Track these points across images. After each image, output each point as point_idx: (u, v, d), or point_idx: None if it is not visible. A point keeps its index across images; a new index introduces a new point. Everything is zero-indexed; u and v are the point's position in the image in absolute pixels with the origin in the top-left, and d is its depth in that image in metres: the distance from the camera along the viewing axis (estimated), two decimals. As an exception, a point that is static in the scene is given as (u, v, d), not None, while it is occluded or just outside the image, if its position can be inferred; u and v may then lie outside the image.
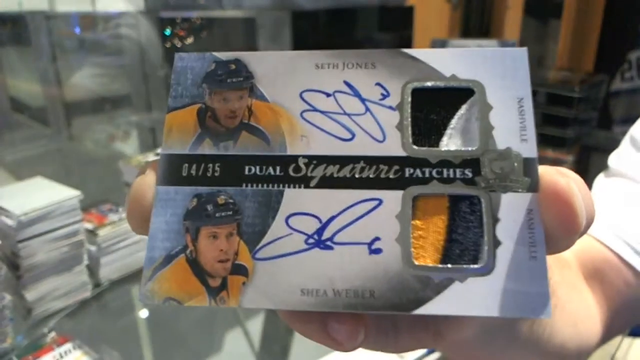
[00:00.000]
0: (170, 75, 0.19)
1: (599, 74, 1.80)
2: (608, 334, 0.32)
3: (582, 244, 0.33)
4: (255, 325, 1.00)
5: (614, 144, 0.40)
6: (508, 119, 0.17)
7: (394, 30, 1.70)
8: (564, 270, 0.29)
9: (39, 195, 0.84)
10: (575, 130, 1.68)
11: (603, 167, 0.40)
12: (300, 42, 1.39)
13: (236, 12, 1.51)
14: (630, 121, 0.40)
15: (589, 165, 1.75)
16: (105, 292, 0.91)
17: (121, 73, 1.54)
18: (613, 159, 0.39)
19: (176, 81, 0.19)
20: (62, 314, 0.85)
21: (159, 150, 0.18)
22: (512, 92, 0.17)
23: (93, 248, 0.90)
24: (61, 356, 0.74)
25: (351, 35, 1.58)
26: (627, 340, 0.90)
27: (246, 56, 0.19)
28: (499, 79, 0.18)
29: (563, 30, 1.92)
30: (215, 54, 0.19)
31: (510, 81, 0.17)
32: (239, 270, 0.17)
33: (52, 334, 0.78)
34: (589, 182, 0.41)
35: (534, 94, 1.77)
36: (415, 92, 0.18)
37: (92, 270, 0.90)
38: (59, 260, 0.84)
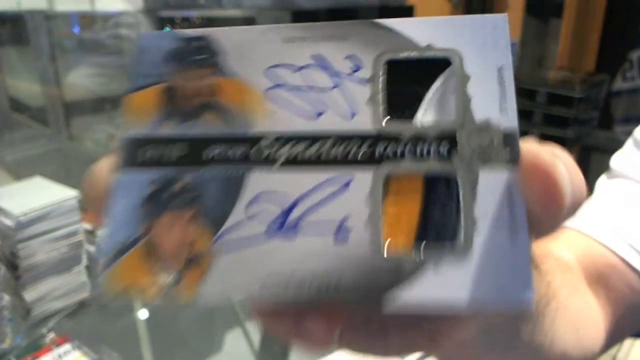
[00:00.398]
0: None
1: (600, 73, 1.80)
2: (611, 340, 0.32)
3: (584, 247, 0.33)
4: (255, 326, 1.00)
5: (614, 144, 0.40)
6: (487, 89, 0.16)
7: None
8: (565, 274, 0.28)
9: (38, 195, 0.84)
10: (576, 130, 1.67)
11: (604, 167, 0.40)
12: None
13: (236, 11, 1.50)
14: (631, 121, 0.40)
15: (590, 165, 1.74)
16: (104, 292, 0.91)
17: (121, 73, 1.54)
18: (616, 161, 0.38)
19: (138, 61, 0.18)
20: (61, 315, 0.84)
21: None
22: (491, 61, 0.16)
23: (92, 248, 0.89)
24: (60, 357, 0.73)
25: (351, 35, 1.57)
26: (629, 341, 0.89)
27: (212, 32, 0.18)
28: (478, 47, 0.16)
29: (564, 30, 1.92)
30: (180, 31, 0.18)
31: (490, 50, 0.16)
32: (197, 260, 0.15)
33: (51, 335, 0.78)
34: (590, 182, 0.41)
35: (534, 93, 1.78)
36: (390, 65, 0.17)
37: (92, 270, 0.90)
38: (58, 260, 0.83)
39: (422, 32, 0.17)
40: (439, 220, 0.15)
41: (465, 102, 0.16)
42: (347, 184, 0.16)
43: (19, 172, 1.32)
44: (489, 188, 0.15)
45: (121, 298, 0.16)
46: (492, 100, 0.16)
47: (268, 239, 0.15)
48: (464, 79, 0.16)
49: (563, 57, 1.94)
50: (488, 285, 0.14)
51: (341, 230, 0.15)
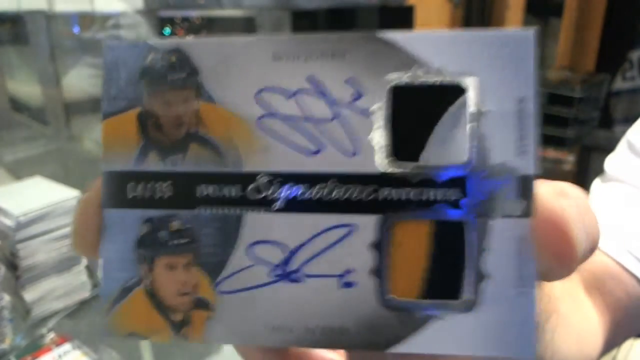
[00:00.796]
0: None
1: (600, 73, 1.80)
2: (608, 346, 0.31)
3: None
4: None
5: (615, 144, 0.40)
6: (504, 125, 0.14)
7: (395, 29, 1.70)
8: (564, 282, 0.28)
9: (38, 195, 0.84)
10: (576, 130, 1.67)
11: (604, 167, 0.40)
12: (300, 41, 1.39)
13: (236, 11, 1.50)
14: (631, 121, 0.40)
15: (590, 165, 1.74)
16: (104, 292, 0.91)
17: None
18: (610, 164, 0.38)
19: (108, 78, 0.16)
20: (61, 315, 0.84)
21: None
22: (511, 91, 0.14)
23: (92, 248, 0.89)
24: (60, 357, 0.73)
25: (351, 35, 1.57)
26: (629, 341, 0.90)
27: (187, 44, 0.16)
28: (497, 72, 0.14)
29: (564, 30, 1.92)
30: (151, 42, 0.16)
31: (511, 76, 0.14)
32: (202, 304, 0.15)
33: (51, 335, 0.78)
34: (590, 182, 0.41)
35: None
36: (395, 91, 0.15)
37: (92, 270, 0.90)
38: (58, 260, 0.83)
39: (433, 50, 0.15)
40: (445, 271, 0.15)
41: (478, 141, 0.14)
42: (349, 232, 0.15)
43: (19, 172, 1.32)
44: (499, 239, 0.14)
45: (131, 339, 0.16)
46: (509, 139, 0.14)
47: (271, 284, 0.15)
48: (479, 112, 0.14)
49: (563, 57, 1.94)
50: (492, 340, 0.14)
51: (345, 278, 0.15)
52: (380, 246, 0.15)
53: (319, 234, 0.15)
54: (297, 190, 0.15)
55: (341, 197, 0.15)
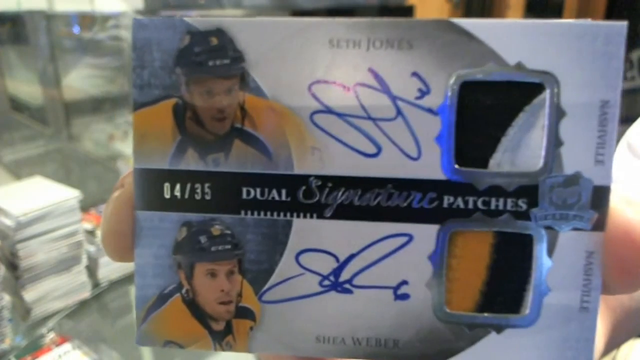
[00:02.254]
0: None
1: (600, 73, 1.80)
2: (609, 346, 0.32)
3: None
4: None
5: (615, 144, 0.40)
6: (584, 130, 0.13)
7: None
8: None
9: (38, 195, 0.84)
10: (576, 130, 1.67)
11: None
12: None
13: (236, 11, 1.50)
14: (631, 121, 0.40)
15: (590, 164, 1.74)
16: (104, 292, 0.91)
17: (120, 73, 1.54)
18: None
19: (139, 62, 0.14)
20: (61, 315, 0.84)
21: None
22: (596, 93, 0.13)
23: (92, 248, 0.89)
24: (60, 357, 0.73)
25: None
26: (630, 341, 0.89)
27: (232, 24, 0.14)
28: (581, 70, 0.13)
29: (564, 30, 1.92)
30: (189, 20, 0.14)
31: (597, 75, 0.13)
32: (245, 313, 0.14)
33: (51, 335, 0.78)
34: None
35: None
36: (465, 87, 0.13)
37: (92, 270, 0.90)
38: (58, 260, 0.83)
39: (512, 42, 0.13)
40: (506, 285, 0.14)
41: (555, 145, 0.13)
42: (407, 242, 0.14)
43: (19, 172, 1.32)
44: (567, 252, 0.13)
45: (170, 347, 0.15)
46: (588, 146, 0.13)
47: (321, 293, 0.14)
48: (558, 115, 0.13)
49: (563, 57, 1.94)
50: (551, 356, 0.14)
51: (400, 290, 0.14)
52: (440, 257, 0.14)
53: (373, 244, 0.14)
54: (352, 196, 0.14)
55: (400, 205, 0.14)
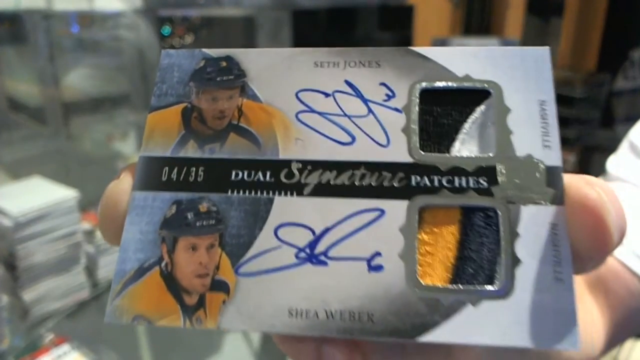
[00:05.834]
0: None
1: (601, 73, 1.80)
2: (610, 345, 0.32)
3: None
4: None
5: (616, 144, 0.40)
6: (528, 123, 0.15)
7: (394, 29, 1.70)
8: None
9: (37, 195, 0.83)
10: (577, 130, 1.67)
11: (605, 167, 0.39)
12: (300, 41, 1.39)
13: (236, 10, 1.50)
14: (632, 120, 0.40)
15: (591, 165, 1.74)
16: (103, 292, 0.91)
17: (119, 72, 1.53)
18: (612, 165, 0.38)
19: (161, 79, 0.17)
20: (60, 315, 0.84)
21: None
22: (533, 95, 0.16)
23: (91, 249, 0.89)
24: (59, 357, 0.73)
25: (351, 35, 1.57)
26: (630, 341, 0.89)
27: (239, 53, 0.17)
28: (518, 80, 0.16)
29: (565, 29, 1.92)
30: (206, 50, 0.18)
31: (531, 83, 0.16)
32: (220, 286, 0.15)
33: (50, 335, 0.77)
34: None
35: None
36: (424, 94, 0.16)
37: (90, 270, 0.90)
38: (56, 260, 0.83)
39: (459, 62, 0.16)
40: (477, 256, 0.15)
41: (505, 135, 0.15)
42: (379, 216, 0.15)
43: (18, 172, 1.32)
44: (531, 225, 0.14)
45: (139, 322, 0.15)
46: (534, 135, 0.15)
47: (297, 266, 0.15)
48: (504, 111, 0.15)
49: (564, 57, 1.94)
50: (531, 326, 0.14)
51: (374, 261, 0.15)
52: (411, 230, 0.15)
53: (348, 218, 0.15)
54: (329, 177, 0.15)
55: (372, 183, 0.15)
